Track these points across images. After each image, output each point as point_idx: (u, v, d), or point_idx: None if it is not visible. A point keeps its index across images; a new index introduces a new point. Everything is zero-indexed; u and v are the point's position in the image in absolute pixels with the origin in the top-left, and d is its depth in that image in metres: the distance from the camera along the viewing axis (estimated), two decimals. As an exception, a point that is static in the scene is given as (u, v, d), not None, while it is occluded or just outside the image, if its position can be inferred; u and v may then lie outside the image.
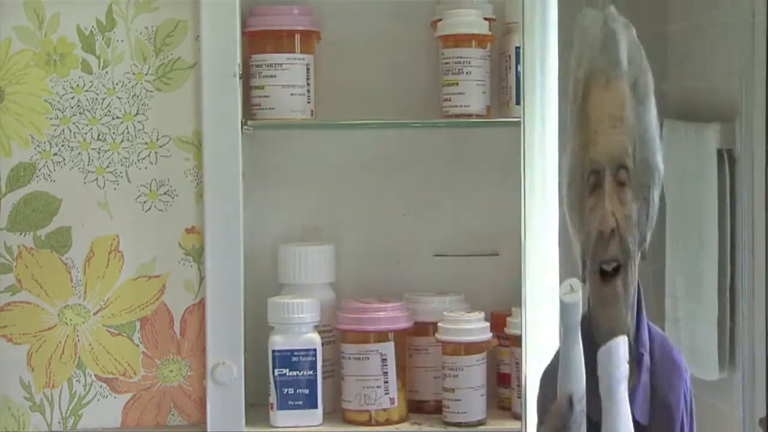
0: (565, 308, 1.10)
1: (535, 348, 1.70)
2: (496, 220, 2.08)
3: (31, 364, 1.94)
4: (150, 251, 1.95)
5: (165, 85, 1.94)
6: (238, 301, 1.94)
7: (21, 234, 1.93)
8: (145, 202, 1.95)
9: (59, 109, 1.93)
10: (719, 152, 2.19)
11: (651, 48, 2.44)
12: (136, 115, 1.94)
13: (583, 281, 1.20)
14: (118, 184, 1.94)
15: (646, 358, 1.21)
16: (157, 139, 1.95)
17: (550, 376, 1.25)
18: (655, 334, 1.25)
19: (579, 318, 1.09)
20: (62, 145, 1.93)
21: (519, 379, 1.96)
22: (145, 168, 1.95)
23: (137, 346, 1.95)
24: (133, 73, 1.94)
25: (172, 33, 1.94)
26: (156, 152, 1.95)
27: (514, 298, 2.15)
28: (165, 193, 1.95)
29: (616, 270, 1.16)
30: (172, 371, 1.96)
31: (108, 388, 1.95)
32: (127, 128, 1.94)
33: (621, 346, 1.14)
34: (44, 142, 1.93)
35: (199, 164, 1.94)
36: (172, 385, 1.96)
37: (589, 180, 1.15)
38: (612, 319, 1.17)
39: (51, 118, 1.93)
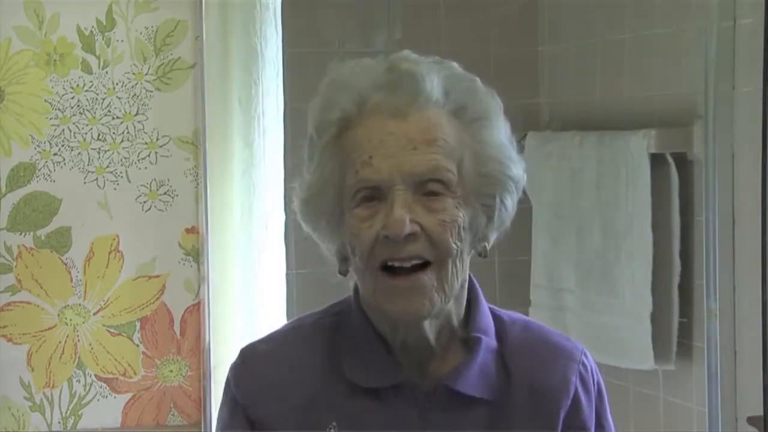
0: None
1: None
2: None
3: (31, 364, 1.94)
4: (150, 251, 1.95)
5: (165, 85, 1.94)
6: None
7: (21, 234, 1.93)
8: (145, 202, 1.95)
9: (59, 109, 1.93)
10: (658, 156, 2.23)
11: (522, 68, 2.57)
12: (136, 115, 1.94)
13: (342, 273, 1.33)
14: (118, 184, 1.94)
15: (485, 340, 1.33)
16: (157, 139, 1.95)
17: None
18: (514, 320, 1.38)
19: None
20: (62, 145, 1.93)
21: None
22: (145, 168, 1.94)
23: (137, 346, 1.95)
24: (133, 73, 1.94)
25: (172, 33, 1.94)
26: (156, 152, 1.95)
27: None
28: (165, 193, 1.95)
29: (423, 266, 1.27)
30: (172, 371, 1.96)
31: (108, 388, 1.95)
32: (127, 128, 1.94)
33: None
34: (44, 142, 1.93)
35: (199, 164, 1.94)
36: (172, 385, 1.96)
37: (357, 195, 1.28)
38: (403, 308, 1.28)
39: (51, 118, 1.93)
